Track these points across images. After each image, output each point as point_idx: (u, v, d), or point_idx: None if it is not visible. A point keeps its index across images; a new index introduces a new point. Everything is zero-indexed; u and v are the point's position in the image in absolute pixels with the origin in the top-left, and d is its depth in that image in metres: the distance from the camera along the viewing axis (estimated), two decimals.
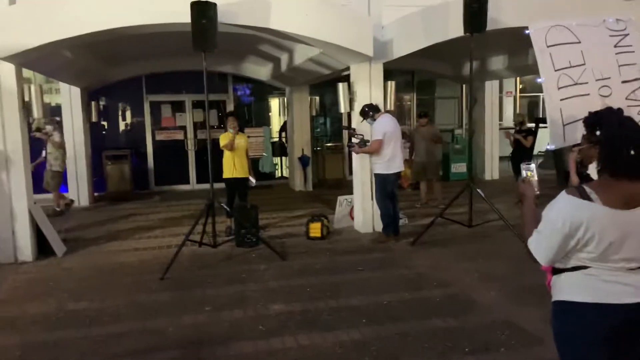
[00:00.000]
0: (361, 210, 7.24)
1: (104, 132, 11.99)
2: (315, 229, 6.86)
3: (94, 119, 10.50)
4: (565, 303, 2.02)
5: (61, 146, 8.95)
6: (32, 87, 6.20)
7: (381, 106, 6.90)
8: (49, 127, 8.77)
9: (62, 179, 9.11)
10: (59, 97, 10.42)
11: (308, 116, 11.55)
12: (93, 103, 10.45)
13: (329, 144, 12.62)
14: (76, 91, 9.95)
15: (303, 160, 11.38)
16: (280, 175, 13.37)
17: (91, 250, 6.69)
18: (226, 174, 7.06)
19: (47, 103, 10.89)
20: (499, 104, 13.91)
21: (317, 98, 11.68)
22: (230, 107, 12.06)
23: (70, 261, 6.19)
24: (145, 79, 11.62)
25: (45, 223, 6.42)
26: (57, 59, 7.17)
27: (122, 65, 10.61)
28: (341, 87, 7.18)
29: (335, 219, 7.54)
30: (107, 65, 10.16)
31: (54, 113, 11.25)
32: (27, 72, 7.55)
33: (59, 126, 9.13)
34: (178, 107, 12.07)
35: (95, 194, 10.80)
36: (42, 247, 6.31)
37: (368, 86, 7.05)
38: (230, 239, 6.64)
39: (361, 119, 6.72)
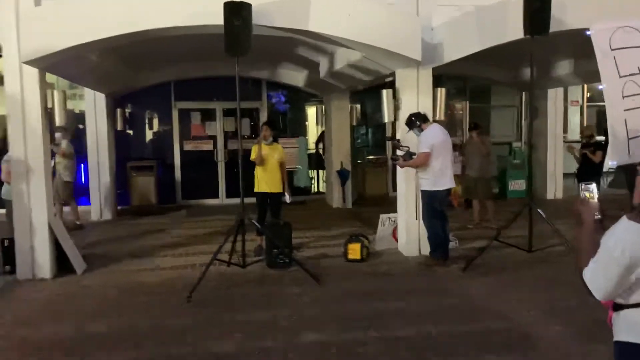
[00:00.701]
0: (406, 231, 7.14)
1: (129, 141, 12.33)
2: (354, 250, 6.79)
3: (119, 127, 10.83)
4: (626, 345, 1.94)
5: (70, 155, 9.14)
6: (55, 93, 6.43)
7: (430, 115, 6.82)
8: (57, 135, 8.90)
9: (73, 190, 9.34)
10: (83, 103, 10.79)
11: (348, 126, 11.56)
12: (118, 110, 10.79)
13: (370, 157, 12.58)
14: (101, 97, 10.29)
15: (342, 174, 11.35)
16: (316, 190, 13.38)
17: (112, 268, 6.83)
18: (257, 188, 7.13)
19: (71, 110, 11.35)
20: (564, 114, 13.55)
21: (358, 106, 11.66)
22: (263, 115, 12.20)
23: (91, 279, 6.33)
24: (174, 85, 11.92)
25: (65, 238, 6.60)
26: (82, 62, 7.43)
27: (150, 71, 10.92)
28: (385, 94, 7.15)
29: (376, 240, 7.46)
30: (134, 70, 10.46)
31: (77, 120, 11.67)
32: (50, 77, 7.86)
33: (68, 133, 9.15)
34: (208, 115, 12.30)
35: (119, 207, 11.07)
36: (62, 263, 6.47)
37: (415, 93, 6.99)
38: (260, 259, 6.66)
39: (407, 129, 6.66)
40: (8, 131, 6.30)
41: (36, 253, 6.31)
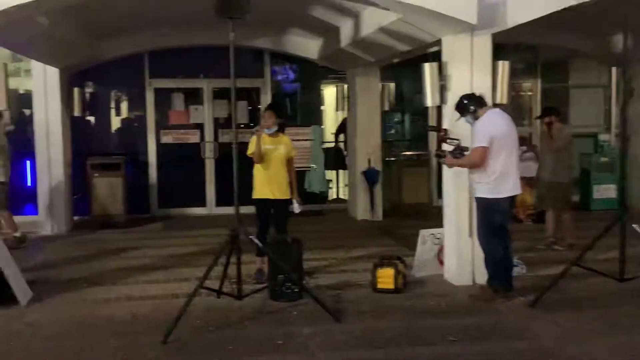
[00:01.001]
0: (455, 252, 7.11)
1: (90, 132, 12.45)
2: (386, 278, 6.77)
3: (76, 112, 10.95)
4: None
5: (3, 149, 9.16)
6: None
7: (488, 98, 6.77)
8: None
9: (7, 194, 9.37)
10: (30, 81, 10.92)
11: (378, 112, 11.55)
12: (76, 90, 10.90)
13: (408, 153, 12.54)
14: (53, 73, 10.40)
15: (369, 176, 11.34)
16: (335, 196, 13.38)
17: (67, 297, 6.85)
18: (256, 193, 7.15)
19: (13, 89, 11.50)
20: None
21: (392, 85, 11.66)
22: (266, 98, 12.24)
23: (38, 312, 6.36)
24: (148, 58, 12.03)
25: (4, 257, 6.65)
26: (28, 27, 7.48)
27: (117, 38, 11.02)
28: (428, 69, 7.13)
29: (415, 264, 7.44)
30: (97, 38, 10.56)
31: (21, 103, 11.81)
32: None
33: (5, 120, 9.16)
34: (193, 97, 12.39)
35: (75, 217, 11.17)
36: (1, 290, 6.52)
37: (468, 68, 6.96)
38: (261, 287, 6.65)
39: (457, 115, 6.63)
40: None
41: None
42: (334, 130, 13.52)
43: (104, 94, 12.47)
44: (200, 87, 12.33)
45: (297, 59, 12.34)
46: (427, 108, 11.74)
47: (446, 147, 6.68)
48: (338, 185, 13.54)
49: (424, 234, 7.48)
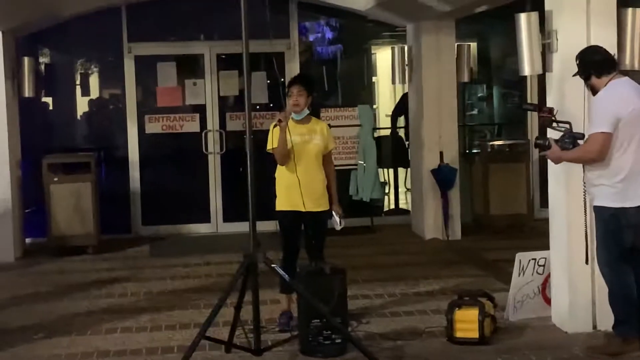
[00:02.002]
0: (566, 285, 7.05)
1: (46, 119, 12.59)
2: (468, 323, 6.70)
3: (27, 92, 11.05)
4: None
5: None
6: None
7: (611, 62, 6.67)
8: None
9: None
10: None
11: (454, 84, 11.47)
12: (26, 61, 11.01)
13: (497, 142, 12.44)
14: None
15: (442, 177, 11.27)
16: (393, 206, 13.31)
17: (17, 353, 6.90)
18: (281, 204, 7.14)
19: None
20: None
21: (474, 46, 11.57)
22: (293, 67, 12.24)
23: None
24: (125, 13, 12.12)
25: None
26: None
27: None
28: (525, 22, 7.07)
29: (509, 302, 7.37)
30: None
31: None
32: None
33: None
34: (190, 68, 12.46)
35: (28, 239, 11.29)
36: None
37: (583, 19, 6.89)
38: (289, 337, 6.65)
39: (568, 84, 6.55)
40: None
41: None
42: (390, 111, 13.47)
43: (65, 66, 12.60)
44: (200, 54, 12.41)
45: (336, 11, 12.33)
46: (524, 78, 11.62)
47: (552, 133, 6.61)
48: (397, 189, 13.48)
49: (522, 259, 7.39)
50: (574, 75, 6.49)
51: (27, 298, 8.72)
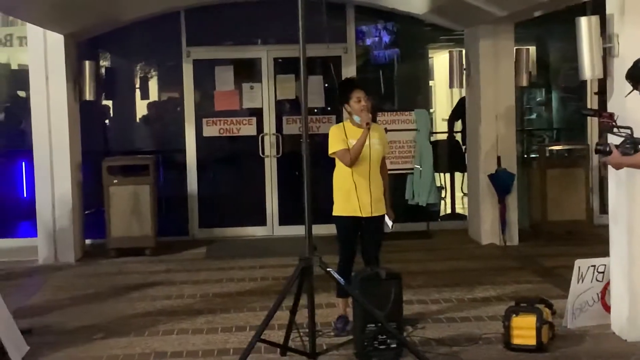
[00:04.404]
0: (627, 292, 6.94)
1: (106, 122, 12.72)
2: (526, 330, 6.63)
3: (88, 95, 11.16)
4: None
5: None
6: None
7: None
8: None
9: None
10: (25, 53, 11.23)
11: (512, 88, 11.36)
12: (87, 65, 11.12)
13: (555, 147, 12.28)
14: (56, 42, 10.63)
15: (500, 182, 11.16)
16: (449, 211, 13.21)
17: (74, 353, 6.97)
18: (340, 209, 7.14)
19: (4, 65, 11.86)
20: None
21: (532, 50, 11.43)
22: (349, 70, 12.22)
23: None
24: (185, 18, 12.21)
25: None
26: None
27: None
28: (585, 26, 7.00)
29: (568, 309, 7.29)
30: None
31: (16, 83, 12.15)
32: None
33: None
34: (247, 71, 12.50)
35: (88, 240, 11.42)
36: None
37: None
38: (344, 341, 6.63)
39: (629, 89, 6.42)
40: None
41: None
42: (447, 115, 13.38)
43: (125, 70, 12.74)
44: (258, 58, 12.44)
45: (393, 15, 12.28)
46: (584, 82, 11.45)
47: (612, 139, 6.49)
48: (453, 194, 13.39)
49: (581, 266, 7.31)
50: (626, 96, 6.38)
51: (87, 298, 8.83)
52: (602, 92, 9.40)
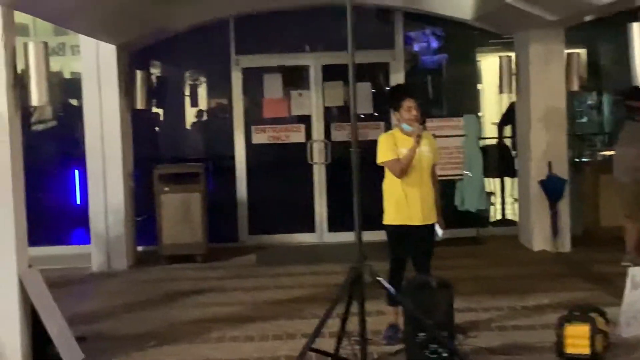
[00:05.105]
0: None
1: (157, 130, 12.81)
2: (579, 339, 6.55)
3: (139, 104, 11.28)
4: None
5: None
6: (31, 46, 6.76)
7: None
8: None
9: None
10: (78, 61, 11.35)
11: (563, 93, 11.26)
12: (139, 74, 11.23)
13: (607, 152, 12.11)
14: (109, 52, 10.78)
15: (551, 187, 11.07)
16: (499, 217, 13.10)
17: None
18: (390, 218, 7.14)
19: (56, 73, 11.97)
20: None
21: (582, 53, 11.30)
22: (397, 76, 12.18)
23: None
24: (234, 27, 12.28)
25: (47, 306, 6.91)
26: None
27: (192, 2, 11.24)
28: (637, 30, 6.96)
29: (622, 318, 7.21)
30: (165, 1, 10.81)
31: (68, 91, 12.28)
32: (22, 17, 8.23)
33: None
34: (295, 78, 12.51)
35: (139, 247, 11.51)
36: (41, 349, 6.76)
37: None
38: (395, 350, 6.61)
39: None
40: None
41: None
42: (496, 119, 13.27)
43: (175, 78, 12.83)
44: (306, 65, 12.46)
45: (441, 20, 12.22)
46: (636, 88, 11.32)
47: None
48: (503, 200, 13.27)
49: (636, 274, 7.24)
50: None
51: (139, 305, 8.91)
52: None
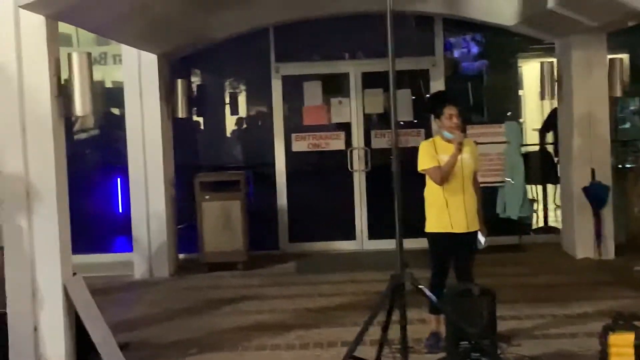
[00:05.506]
0: None
1: (197, 138, 12.88)
2: (624, 348, 6.43)
3: (180, 112, 11.36)
4: None
5: None
6: (75, 56, 6.83)
7: None
8: None
9: None
10: (119, 70, 11.47)
11: (605, 98, 11.16)
12: (179, 83, 11.32)
13: None
14: (150, 61, 10.87)
15: (594, 194, 10.96)
16: (542, 224, 13.00)
17: None
18: (433, 225, 7.13)
19: (99, 82, 12.09)
20: None
21: (626, 58, 11.18)
22: (438, 83, 12.15)
23: None
24: (274, 35, 12.32)
25: (91, 312, 6.99)
26: (116, 2, 7.86)
27: (233, 11, 11.30)
28: None
29: None
30: (206, 11, 10.89)
31: (110, 100, 12.40)
32: (65, 28, 8.31)
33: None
34: (335, 86, 12.53)
35: (181, 255, 11.58)
36: (84, 355, 6.84)
37: None
38: (437, 358, 6.61)
39: None
40: None
41: (42, 338, 6.72)
42: (538, 126, 13.18)
43: (215, 86, 12.89)
44: (345, 72, 12.45)
45: (481, 26, 12.16)
46: None
47: None
48: (546, 206, 13.16)
49: None
50: None
51: (181, 313, 8.96)
52: None
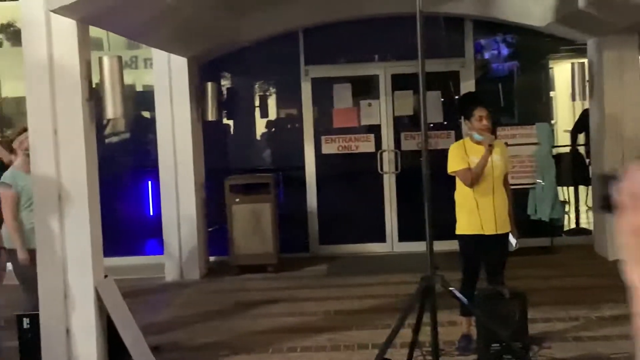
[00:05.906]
0: None
1: (227, 141, 12.92)
2: None
3: (210, 115, 11.39)
4: None
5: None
6: (106, 60, 6.90)
7: None
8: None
9: None
10: (149, 74, 11.53)
11: (637, 98, 11.06)
12: (209, 86, 11.35)
13: None
14: (180, 65, 10.92)
15: None
16: (573, 226, 12.91)
17: None
18: (464, 227, 7.11)
19: (129, 86, 12.18)
20: None
21: None
22: (468, 85, 12.10)
23: None
24: (303, 38, 12.35)
25: (122, 314, 7.04)
26: (147, 6, 7.93)
27: (262, 14, 11.35)
28: None
29: None
30: (236, 14, 10.93)
31: (141, 103, 12.47)
32: (96, 32, 8.37)
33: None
34: (365, 88, 12.53)
35: (211, 257, 11.62)
36: (116, 357, 6.88)
37: None
38: None
39: None
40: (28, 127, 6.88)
41: (75, 341, 6.78)
42: (569, 127, 13.08)
43: (245, 89, 12.93)
44: (375, 75, 12.45)
45: (512, 27, 12.09)
46: None
47: None
48: (578, 208, 13.08)
49: None
50: None
51: (212, 315, 9.00)
52: None
